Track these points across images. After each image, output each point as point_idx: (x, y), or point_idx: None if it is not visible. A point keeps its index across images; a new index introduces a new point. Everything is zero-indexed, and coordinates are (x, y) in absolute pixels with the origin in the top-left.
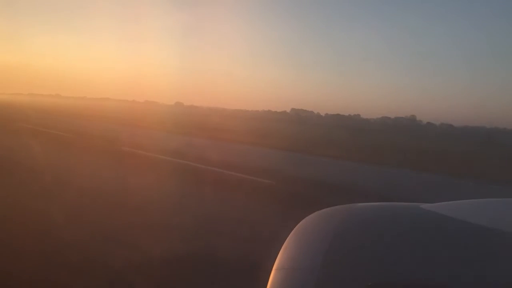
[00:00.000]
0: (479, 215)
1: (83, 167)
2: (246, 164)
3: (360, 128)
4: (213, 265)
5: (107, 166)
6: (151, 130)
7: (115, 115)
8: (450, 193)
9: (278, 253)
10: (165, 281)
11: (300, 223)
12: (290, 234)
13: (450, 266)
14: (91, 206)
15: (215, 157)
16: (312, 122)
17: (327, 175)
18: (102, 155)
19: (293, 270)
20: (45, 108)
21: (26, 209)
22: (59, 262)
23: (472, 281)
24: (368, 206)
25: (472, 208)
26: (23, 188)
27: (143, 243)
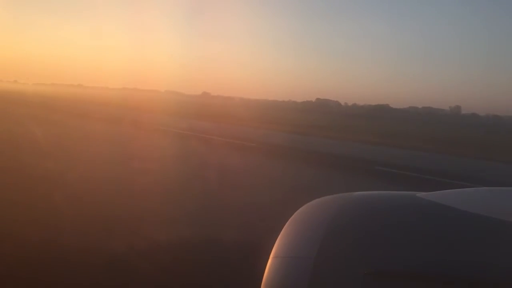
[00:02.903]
0: (475, 204)
1: None
2: None
3: (417, 119)
4: None
5: None
6: (271, 129)
7: (177, 109)
8: None
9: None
10: None
11: (297, 211)
12: (287, 223)
13: (446, 254)
14: None
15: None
16: (355, 113)
17: None
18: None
19: (290, 258)
20: (91, 100)
21: None
22: None
23: (469, 268)
24: (365, 194)
25: (468, 197)
26: None
27: None
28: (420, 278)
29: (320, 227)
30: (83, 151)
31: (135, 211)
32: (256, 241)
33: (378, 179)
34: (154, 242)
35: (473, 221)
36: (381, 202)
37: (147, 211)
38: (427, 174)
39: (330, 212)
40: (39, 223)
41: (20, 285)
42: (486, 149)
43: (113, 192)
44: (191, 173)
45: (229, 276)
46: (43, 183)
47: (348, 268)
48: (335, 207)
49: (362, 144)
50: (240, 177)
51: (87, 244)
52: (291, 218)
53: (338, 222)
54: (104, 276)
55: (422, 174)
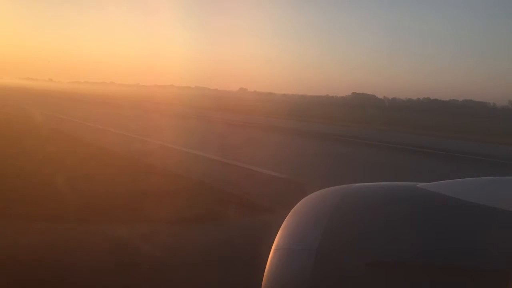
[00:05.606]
0: (476, 194)
1: None
2: None
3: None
4: None
5: None
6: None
7: (255, 107)
8: None
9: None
10: None
11: (299, 203)
12: (289, 214)
13: (447, 245)
14: None
15: None
16: (411, 108)
17: None
18: None
19: (292, 250)
20: (143, 98)
21: None
22: None
23: (471, 258)
24: (365, 186)
25: (469, 187)
26: None
27: None
28: (422, 268)
29: (321, 218)
30: None
31: None
32: None
33: None
34: None
35: (474, 211)
36: (382, 193)
37: None
38: None
39: (332, 203)
40: None
41: None
42: None
43: None
44: None
45: None
46: None
47: (350, 259)
48: (337, 199)
49: None
50: None
51: None
52: (292, 210)
53: (340, 214)
54: None
55: None
